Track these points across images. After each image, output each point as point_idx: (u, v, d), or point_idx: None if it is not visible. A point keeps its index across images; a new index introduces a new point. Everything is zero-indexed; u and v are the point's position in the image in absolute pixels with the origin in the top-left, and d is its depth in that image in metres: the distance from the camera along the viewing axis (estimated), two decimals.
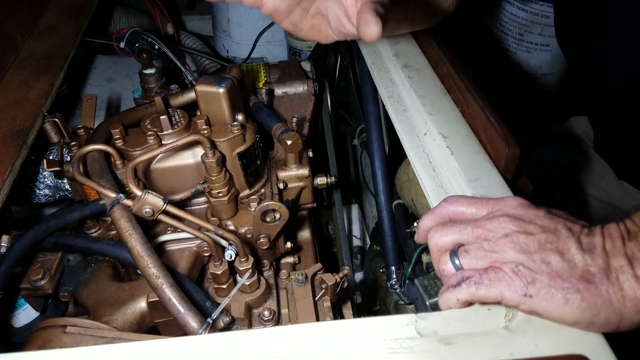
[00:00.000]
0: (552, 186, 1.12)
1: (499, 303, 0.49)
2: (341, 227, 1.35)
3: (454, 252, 0.52)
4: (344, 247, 1.32)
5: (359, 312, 0.97)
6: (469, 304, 0.51)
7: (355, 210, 1.87)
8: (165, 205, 0.66)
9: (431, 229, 0.57)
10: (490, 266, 0.50)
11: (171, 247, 0.81)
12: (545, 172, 1.15)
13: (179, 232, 0.83)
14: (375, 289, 1.15)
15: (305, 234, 1.17)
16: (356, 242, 1.74)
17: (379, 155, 0.99)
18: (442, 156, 0.70)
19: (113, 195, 0.64)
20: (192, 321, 0.60)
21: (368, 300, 1.19)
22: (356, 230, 1.81)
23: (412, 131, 0.78)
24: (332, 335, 0.49)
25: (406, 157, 0.92)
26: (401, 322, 0.49)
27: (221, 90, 0.81)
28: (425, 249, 0.83)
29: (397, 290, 0.87)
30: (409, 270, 0.83)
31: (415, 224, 0.86)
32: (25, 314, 0.80)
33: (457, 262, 0.51)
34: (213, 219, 0.87)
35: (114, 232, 0.81)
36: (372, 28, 0.55)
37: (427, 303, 0.61)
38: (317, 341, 0.48)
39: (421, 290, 0.63)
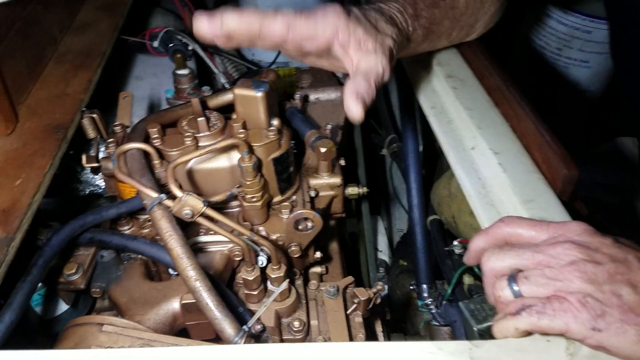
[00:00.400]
0: (593, 209, 1.09)
1: (560, 335, 0.48)
2: (369, 240, 1.34)
3: (512, 277, 0.50)
4: (371, 260, 1.31)
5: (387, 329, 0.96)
6: (528, 333, 0.49)
7: (379, 223, 1.85)
8: (205, 207, 0.66)
9: (484, 250, 0.55)
10: (553, 295, 0.48)
11: (204, 248, 0.81)
12: (586, 193, 1.13)
13: (211, 234, 0.83)
14: (404, 306, 1.13)
15: (333, 245, 1.16)
16: (379, 255, 1.72)
17: (414, 167, 0.98)
18: (492, 173, 0.68)
19: (154, 194, 0.64)
20: (228, 328, 0.59)
21: (394, 316, 1.18)
22: (379, 242, 1.79)
23: (458, 145, 0.76)
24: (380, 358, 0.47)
25: (446, 170, 0.91)
26: (454, 349, 0.47)
27: (259, 94, 0.81)
28: (467, 270, 0.81)
29: (433, 311, 0.85)
30: (449, 291, 0.81)
31: (455, 242, 0.85)
32: (55, 307, 0.80)
33: (515, 288, 0.49)
34: (245, 223, 0.86)
35: (146, 230, 0.81)
36: (353, 112, 0.63)
37: (475, 329, 0.59)
38: None
39: (467, 315, 0.61)
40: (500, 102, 0.81)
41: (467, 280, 0.80)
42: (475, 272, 0.79)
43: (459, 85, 0.86)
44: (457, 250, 0.85)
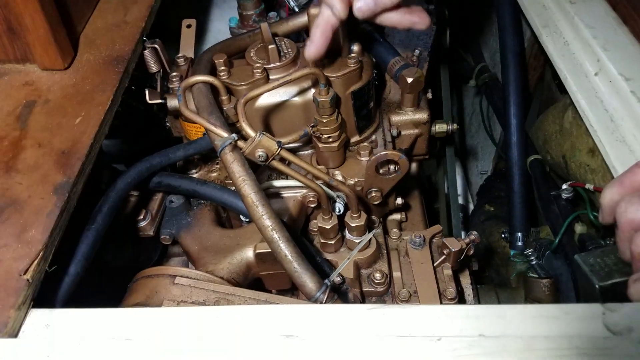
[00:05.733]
0: None
1: None
2: (452, 184, 1.27)
3: None
4: (454, 206, 1.24)
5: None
6: None
7: (457, 164, 1.76)
8: (279, 149, 0.61)
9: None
10: None
11: (276, 194, 0.78)
12: None
13: (283, 178, 0.79)
14: (489, 255, 1.07)
15: (413, 190, 1.10)
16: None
17: (515, 99, 0.88)
18: (623, 103, 0.59)
19: (224, 134, 0.60)
20: (310, 282, 0.56)
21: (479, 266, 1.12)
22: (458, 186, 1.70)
23: (578, 70, 0.66)
24: (490, 324, 0.42)
25: (555, 102, 0.81)
26: (584, 314, 0.41)
27: None
28: (578, 217, 0.74)
29: (533, 262, 0.79)
30: (556, 241, 0.74)
31: (564, 186, 0.76)
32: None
33: None
34: (319, 167, 0.82)
35: (214, 174, 0.79)
36: None
37: (597, 286, 0.52)
38: (473, 326, 0.42)
39: (586, 270, 0.54)
40: (630, 18, 0.70)
41: (579, 229, 0.72)
42: (592, 220, 0.71)
43: None
44: (565, 195, 0.77)
